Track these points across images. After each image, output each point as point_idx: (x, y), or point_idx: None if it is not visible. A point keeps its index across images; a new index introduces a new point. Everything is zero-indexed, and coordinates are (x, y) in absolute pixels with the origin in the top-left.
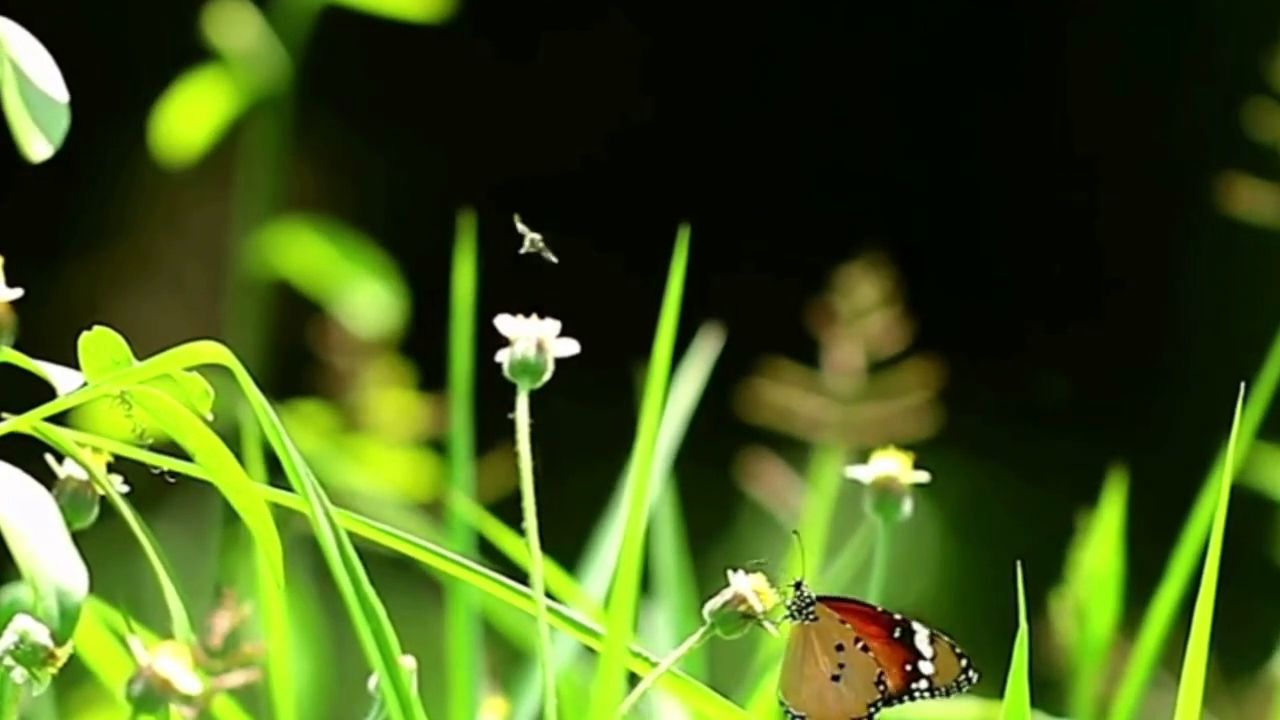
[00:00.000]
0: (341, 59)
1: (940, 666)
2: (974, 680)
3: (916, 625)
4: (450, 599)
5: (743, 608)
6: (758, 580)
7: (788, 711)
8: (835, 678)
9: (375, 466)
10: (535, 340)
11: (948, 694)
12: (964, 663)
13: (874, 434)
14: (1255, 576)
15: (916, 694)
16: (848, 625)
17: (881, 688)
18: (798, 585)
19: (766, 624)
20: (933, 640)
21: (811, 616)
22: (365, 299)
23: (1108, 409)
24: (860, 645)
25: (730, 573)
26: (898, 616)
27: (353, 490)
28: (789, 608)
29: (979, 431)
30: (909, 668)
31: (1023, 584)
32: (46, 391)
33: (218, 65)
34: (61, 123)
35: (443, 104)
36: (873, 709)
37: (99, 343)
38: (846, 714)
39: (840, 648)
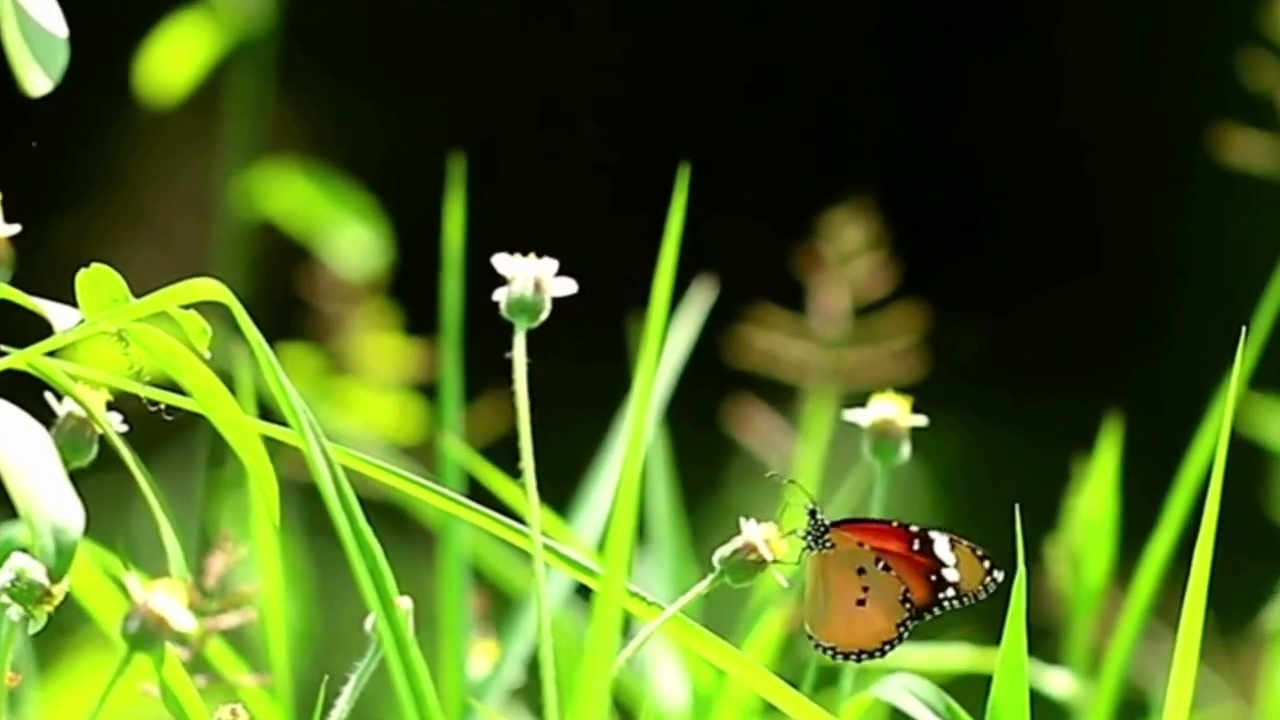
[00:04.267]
0: (330, 7)
1: (964, 572)
2: (999, 580)
3: (934, 534)
4: (440, 544)
5: (753, 556)
6: (769, 529)
7: (817, 645)
8: (860, 602)
9: (363, 411)
10: (533, 278)
11: (975, 599)
12: (987, 564)
13: (861, 379)
14: (1248, 528)
15: (945, 603)
16: (865, 547)
17: (908, 605)
18: (813, 513)
19: (777, 574)
20: (953, 546)
21: (829, 544)
22: (352, 242)
23: (1100, 360)
24: (881, 565)
25: (741, 520)
26: (914, 528)
27: (341, 435)
28: (805, 538)
29: (969, 383)
30: (934, 578)
31: (1020, 530)
32: (44, 334)
33: (202, 8)
34: (60, 58)
35: (430, 50)
36: (902, 628)
37: (96, 280)
38: (877, 637)
39: (862, 570)
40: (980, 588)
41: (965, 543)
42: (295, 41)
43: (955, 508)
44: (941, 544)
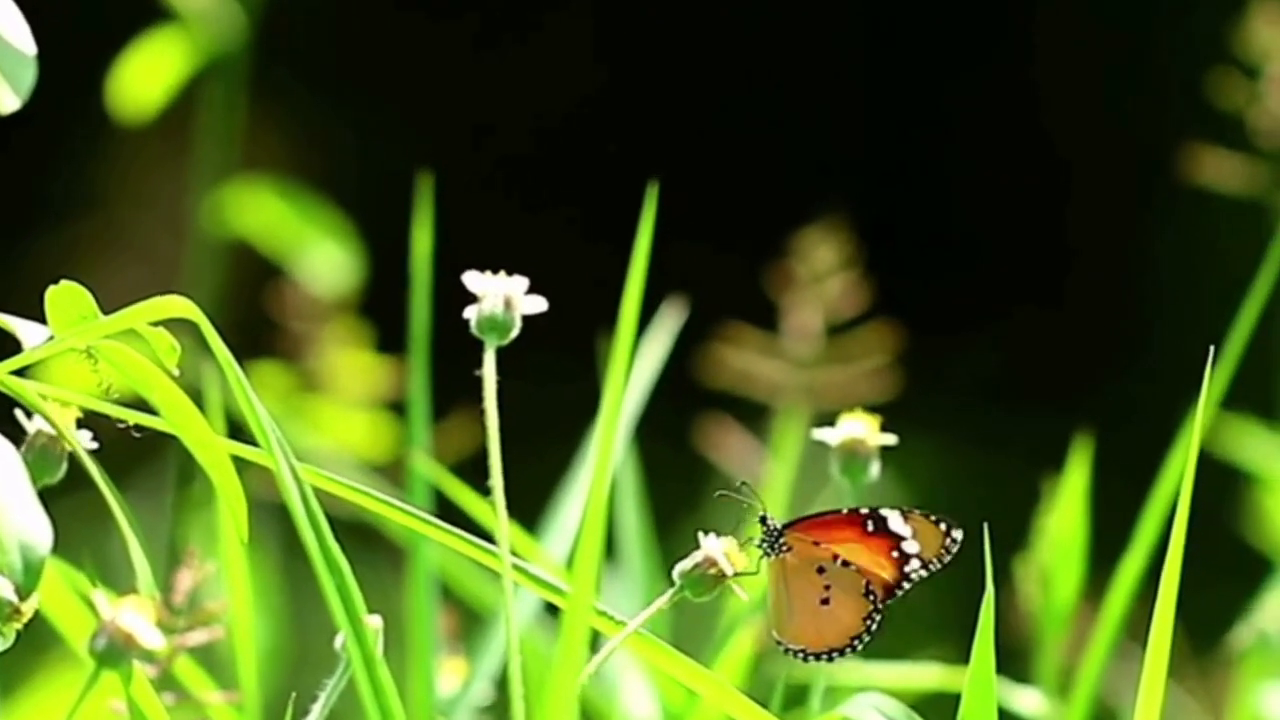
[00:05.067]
0: (305, 25)
1: (924, 541)
2: (959, 540)
3: (884, 510)
4: (409, 562)
5: (713, 570)
6: (728, 543)
7: (786, 650)
8: (824, 601)
9: (333, 429)
10: (503, 296)
11: (942, 564)
12: (944, 527)
13: (834, 398)
14: (1219, 547)
15: (913, 575)
16: (821, 545)
17: (871, 597)
18: (763, 519)
19: (737, 588)
20: (906, 518)
21: (785, 548)
22: (323, 260)
23: (1073, 380)
24: (840, 562)
25: (701, 535)
26: (863, 510)
27: (311, 453)
28: (760, 545)
29: (941, 402)
30: (895, 554)
31: (989, 549)
32: (14, 352)
33: (174, 25)
34: (28, 75)
35: (404, 68)
36: (869, 620)
37: (66, 298)
38: (845, 634)
39: (821, 570)
40: (943, 551)
41: (917, 512)
42: (269, 58)
43: None
44: (895, 519)
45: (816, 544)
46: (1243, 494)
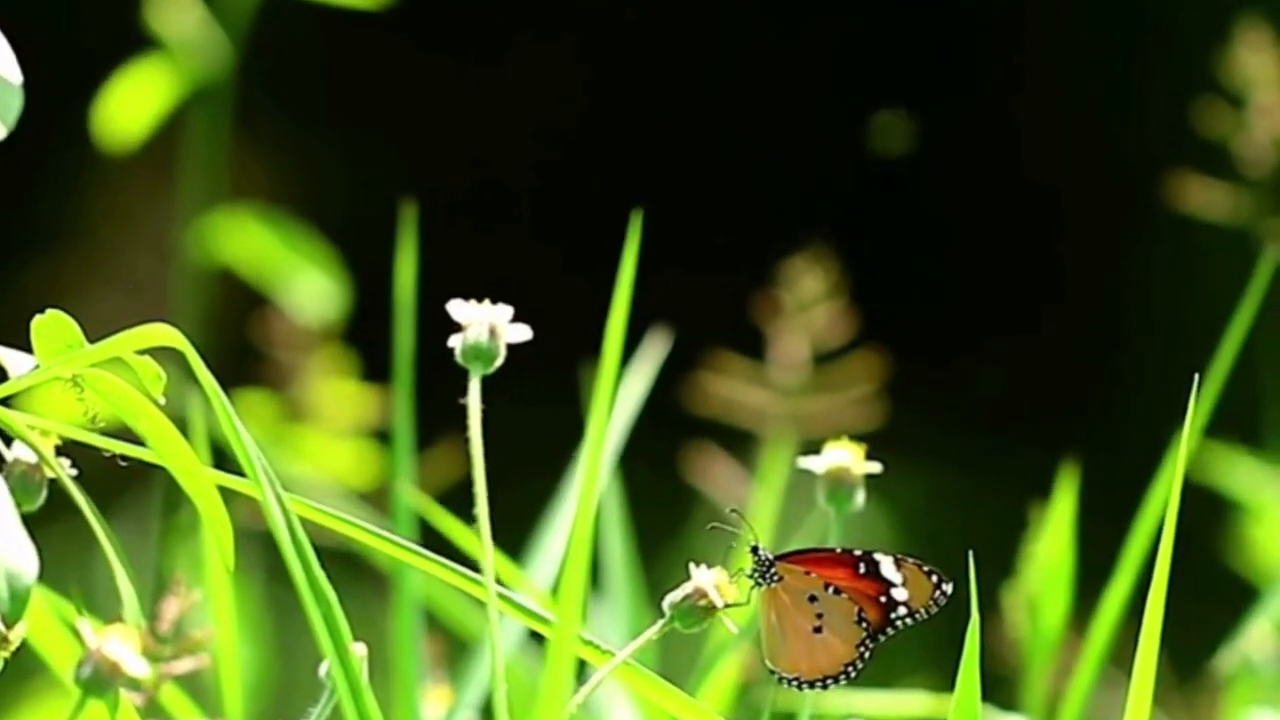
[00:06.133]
0: (290, 54)
1: (913, 590)
2: (948, 594)
3: (878, 555)
4: (394, 590)
5: (704, 602)
6: (719, 574)
7: (780, 678)
8: (817, 629)
9: (318, 457)
10: (488, 325)
11: (928, 614)
12: (935, 579)
13: (820, 426)
14: (1205, 575)
15: (898, 622)
16: (813, 575)
17: (864, 624)
18: (755, 549)
19: (727, 620)
20: (898, 566)
21: (776, 578)
22: (308, 289)
23: (1057, 408)
24: (831, 590)
25: (691, 566)
26: (858, 553)
27: (296, 481)
28: (751, 575)
29: (927, 431)
30: (883, 599)
31: (974, 576)
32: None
33: (160, 54)
34: (15, 104)
35: (389, 97)
36: (862, 648)
37: (52, 327)
38: (838, 661)
39: (813, 598)
40: (931, 603)
41: (911, 560)
42: (254, 87)
43: (912, 553)
44: (887, 564)
45: (808, 573)
46: (1228, 521)
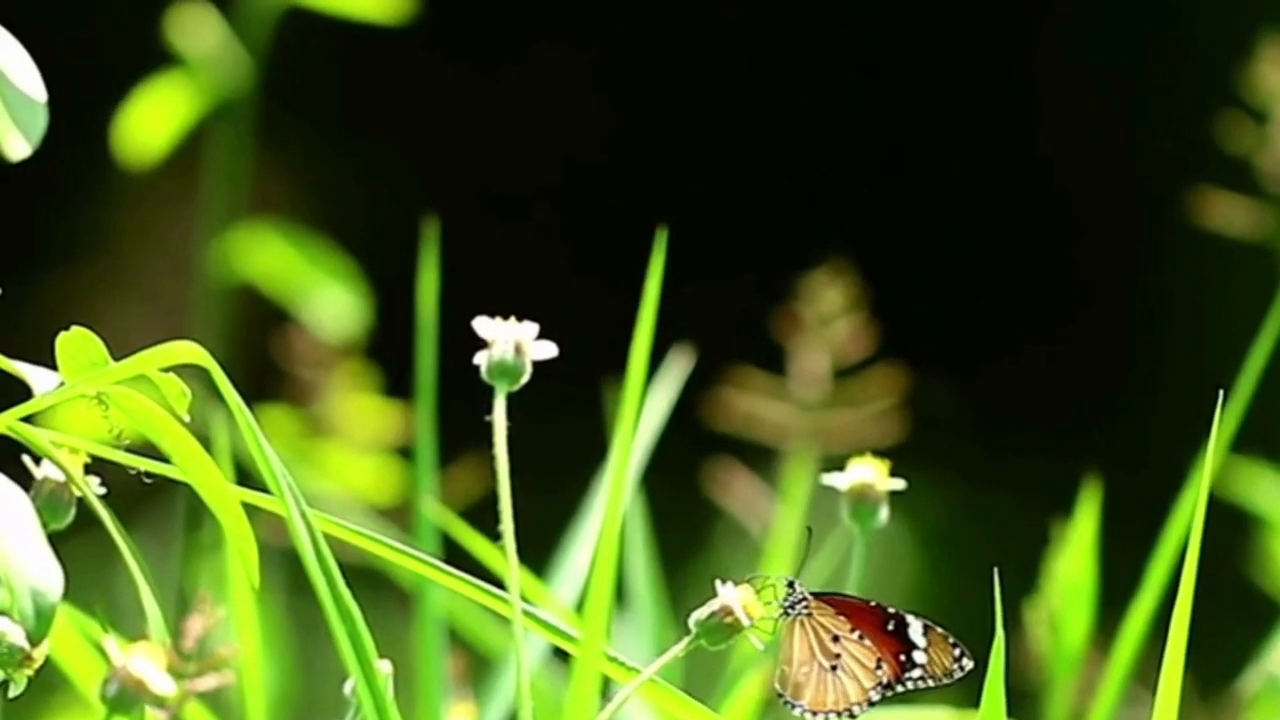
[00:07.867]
0: (311, 69)
1: (934, 656)
2: (967, 668)
3: (910, 618)
4: (417, 606)
5: (729, 619)
6: (745, 592)
7: (787, 703)
8: (833, 668)
9: (341, 473)
10: (513, 342)
11: (940, 682)
12: (957, 652)
13: (841, 441)
14: (1229, 591)
15: (910, 682)
16: (842, 618)
17: (880, 672)
18: (791, 584)
19: (752, 637)
20: (926, 631)
21: (805, 611)
22: (330, 305)
23: (1082, 422)
24: (856, 635)
25: (718, 583)
26: (891, 610)
27: (319, 497)
28: (782, 605)
29: (949, 444)
30: (902, 658)
31: (999, 592)
32: (22, 396)
33: (180, 69)
34: (40, 122)
35: (411, 112)
36: (871, 694)
37: (76, 343)
38: (844, 700)
39: (836, 639)
40: (948, 674)
41: (940, 629)
42: (276, 102)
43: (935, 568)
44: (916, 629)
45: (838, 615)
46: (1252, 538)
